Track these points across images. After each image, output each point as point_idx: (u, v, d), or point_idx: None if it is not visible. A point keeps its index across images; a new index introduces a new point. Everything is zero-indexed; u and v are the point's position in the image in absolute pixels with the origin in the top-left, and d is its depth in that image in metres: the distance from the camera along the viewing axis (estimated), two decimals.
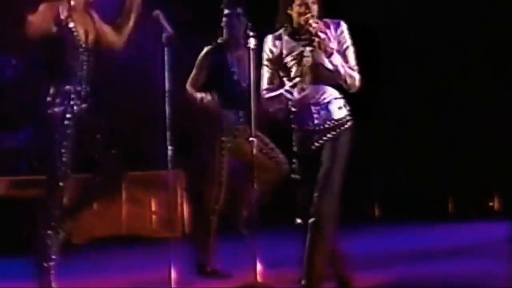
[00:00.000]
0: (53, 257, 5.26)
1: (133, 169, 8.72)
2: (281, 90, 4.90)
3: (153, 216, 8.88)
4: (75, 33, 5.23)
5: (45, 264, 5.24)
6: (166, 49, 5.18)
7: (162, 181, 8.26)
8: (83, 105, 5.31)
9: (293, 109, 4.95)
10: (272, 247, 6.24)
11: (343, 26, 4.93)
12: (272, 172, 6.23)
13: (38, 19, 5.10)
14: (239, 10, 6.27)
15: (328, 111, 4.89)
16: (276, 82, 4.95)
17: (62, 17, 5.17)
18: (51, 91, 5.21)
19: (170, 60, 5.20)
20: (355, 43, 4.98)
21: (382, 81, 9.28)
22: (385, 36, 9.12)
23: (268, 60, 4.95)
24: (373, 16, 8.99)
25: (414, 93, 9.43)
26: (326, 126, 4.89)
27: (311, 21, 4.77)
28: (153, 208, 8.89)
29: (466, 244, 7.27)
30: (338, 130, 4.90)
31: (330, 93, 4.93)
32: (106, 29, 5.38)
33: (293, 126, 4.99)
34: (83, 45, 5.28)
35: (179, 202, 8.89)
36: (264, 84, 4.97)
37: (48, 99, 5.20)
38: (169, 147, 5.41)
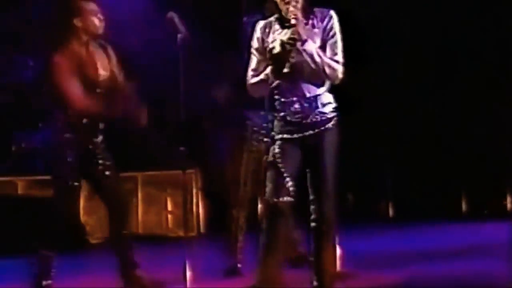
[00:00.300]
0: (52, 275, 5.42)
1: (149, 169, 8.84)
2: (261, 76, 4.77)
3: (169, 216, 8.94)
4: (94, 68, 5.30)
5: (44, 283, 5.38)
6: (181, 50, 5.20)
7: (177, 181, 8.34)
8: (98, 139, 5.38)
9: (276, 96, 4.82)
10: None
11: (331, 15, 4.76)
12: None
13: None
14: (257, 17, 6.24)
15: (312, 105, 4.75)
16: (261, 70, 4.80)
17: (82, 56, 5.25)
18: (67, 126, 5.29)
19: (184, 61, 5.22)
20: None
21: (396, 82, 9.28)
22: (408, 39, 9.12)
23: (256, 48, 4.82)
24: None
25: (428, 93, 9.40)
26: (309, 121, 4.76)
27: (290, 7, 4.63)
28: (169, 208, 8.95)
29: (479, 243, 7.23)
30: (322, 128, 4.78)
31: (316, 87, 4.78)
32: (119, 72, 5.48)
33: (275, 114, 4.87)
34: (100, 80, 5.34)
35: (194, 202, 8.95)
36: (249, 71, 4.85)
37: (64, 127, 5.28)
38: (184, 148, 5.44)
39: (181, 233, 8.32)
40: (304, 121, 4.76)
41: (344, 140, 6.00)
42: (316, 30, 4.71)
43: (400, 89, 9.40)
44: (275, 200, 4.69)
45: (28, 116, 8.64)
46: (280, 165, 4.73)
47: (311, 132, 4.76)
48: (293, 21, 4.56)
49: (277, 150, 4.77)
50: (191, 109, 5.45)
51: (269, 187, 4.74)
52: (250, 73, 4.83)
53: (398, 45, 9.26)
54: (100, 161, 5.43)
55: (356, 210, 9.54)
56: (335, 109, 4.84)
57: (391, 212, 9.92)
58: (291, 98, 4.75)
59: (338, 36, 4.74)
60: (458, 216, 9.30)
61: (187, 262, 5.42)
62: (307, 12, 4.71)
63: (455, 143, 9.33)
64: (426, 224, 8.53)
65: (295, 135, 4.77)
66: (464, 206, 9.60)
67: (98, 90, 5.33)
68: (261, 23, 4.82)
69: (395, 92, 9.40)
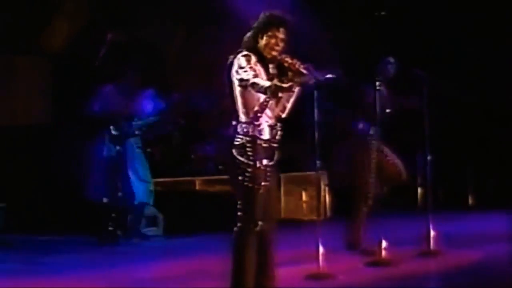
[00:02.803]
0: None
1: (291, 171, 8.86)
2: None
3: (304, 204, 8.99)
4: None
5: None
6: (315, 91, 5.20)
7: (310, 179, 8.49)
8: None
9: None
10: (395, 228, 6.30)
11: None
12: (391, 172, 6.37)
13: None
14: (390, 61, 6.35)
15: None
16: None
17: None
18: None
19: (318, 98, 5.27)
20: None
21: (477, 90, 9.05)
22: None
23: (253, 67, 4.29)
24: None
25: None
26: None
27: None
28: (304, 198, 9.00)
29: None
30: None
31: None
32: None
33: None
34: None
35: (322, 194, 8.95)
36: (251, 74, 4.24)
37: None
38: (318, 161, 5.54)
39: (313, 217, 8.34)
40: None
41: (437, 145, 6.09)
42: None
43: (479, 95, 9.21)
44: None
45: (202, 132, 8.87)
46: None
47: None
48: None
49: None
50: (323, 128, 5.48)
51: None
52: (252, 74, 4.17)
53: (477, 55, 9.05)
54: None
55: (445, 200, 9.32)
56: None
57: (470, 200, 9.70)
58: None
59: None
60: None
61: (319, 240, 5.30)
62: None
63: None
64: (502, 211, 8.16)
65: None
66: None
67: None
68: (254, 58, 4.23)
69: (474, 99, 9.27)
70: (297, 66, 4.17)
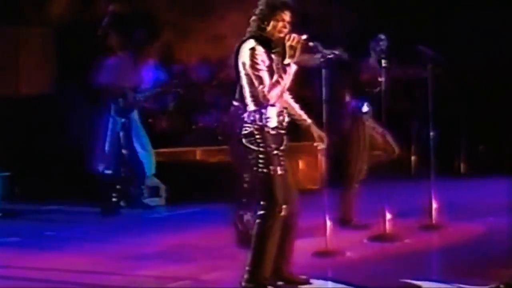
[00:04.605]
0: None
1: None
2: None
3: (300, 173, 8.61)
4: None
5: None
6: (323, 70, 4.82)
7: (307, 149, 8.12)
8: None
9: None
10: (397, 200, 5.82)
11: None
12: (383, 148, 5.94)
13: None
14: (381, 37, 5.89)
15: None
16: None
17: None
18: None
19: (326, 77, 4.87)
20: None
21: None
22: None
23: (267, 66, 4.04)
24: None
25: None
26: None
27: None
28: (300, 167, 8.66)
29: None
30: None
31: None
32: None
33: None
34: None
35: (318, 164, 8.71)
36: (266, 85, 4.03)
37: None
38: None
39: (309, 186, 7.92)
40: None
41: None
42: None
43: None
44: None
45: (203, 104, 8.54)
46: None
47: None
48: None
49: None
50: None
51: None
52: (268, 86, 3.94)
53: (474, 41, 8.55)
54: None
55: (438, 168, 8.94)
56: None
57: (462, 168, 9.23)
58: None
59: None
60: None
61: (326, 215, 4.92)
62: None
63: None
64: (493, 179, 7.77)
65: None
66: None
67: None
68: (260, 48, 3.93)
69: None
70: (301, 42, 3.92)
